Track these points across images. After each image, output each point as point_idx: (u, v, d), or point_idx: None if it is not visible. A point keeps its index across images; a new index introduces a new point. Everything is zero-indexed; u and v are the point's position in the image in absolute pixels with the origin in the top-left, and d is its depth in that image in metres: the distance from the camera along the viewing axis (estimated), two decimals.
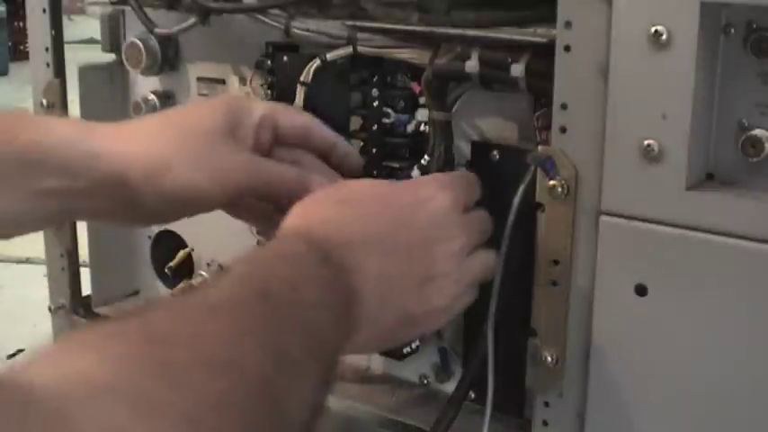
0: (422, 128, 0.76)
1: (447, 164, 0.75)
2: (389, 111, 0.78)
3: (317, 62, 0.79)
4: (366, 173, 0.80)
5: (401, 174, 0.78)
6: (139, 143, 0.65)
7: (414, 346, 0.80)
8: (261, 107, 0.69)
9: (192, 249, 1.01)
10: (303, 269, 0.50)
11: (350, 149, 0.74)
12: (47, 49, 0.99)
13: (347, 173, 0.73)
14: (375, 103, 0.78)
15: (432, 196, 0.61)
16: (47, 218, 0.67)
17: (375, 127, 0.79)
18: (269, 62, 0.84)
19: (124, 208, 0.65)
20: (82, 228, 1.03)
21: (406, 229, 0.58)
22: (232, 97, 0.69)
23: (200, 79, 0.94)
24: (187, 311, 0.44)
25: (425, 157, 0.75)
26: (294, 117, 0.71)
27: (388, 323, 0.56)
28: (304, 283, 0.49)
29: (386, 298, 0.56)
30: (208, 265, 0.99)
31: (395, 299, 0.57)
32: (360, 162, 0.75)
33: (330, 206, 0.58)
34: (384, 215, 0.59)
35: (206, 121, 0.66)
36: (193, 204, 0.65)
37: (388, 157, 0.79)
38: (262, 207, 0.70)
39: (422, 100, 0.76)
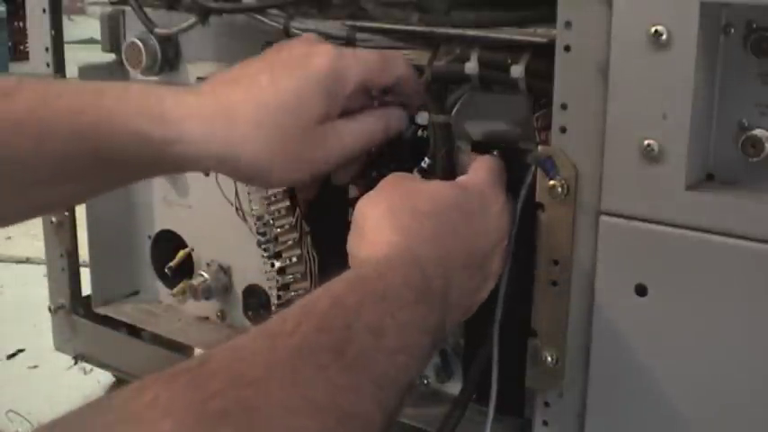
0: (419, 134, 0.76)
1: (449, 168, 0.75)
2: None
3: None
4: (366, 173, 0.80)
5: None
6: (230, 139, 0.62)
7: None
8: (355, 74, 0.65)
9: (192, 249, 1.01)
10: (419, 301, 0.52)
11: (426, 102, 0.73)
12: (47, 49, 0.99)
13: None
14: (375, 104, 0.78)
15: (493, 199, 0.65)
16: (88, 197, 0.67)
17: None
18: None
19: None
20: (82, 228, 1.04)
21: (483, 238, 0.63)
22: (325, 68, 0.64)
23: (200, 79, 0.94)
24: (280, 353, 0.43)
25: (426, 159, 0.75)
26: (387, 73, 0.68)
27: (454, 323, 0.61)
28: (411, 313, 0.51)
29: (461, 303, 0.60)
30: (208, 265, 0.99)
31: (465, 301, 0.61)
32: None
33: (422, 220, 0.59)
34: (466, 228, 0.62)
35: (302, 114, 0.63)
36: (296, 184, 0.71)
37: (388, 157, 0.79)
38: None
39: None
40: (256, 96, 0.64)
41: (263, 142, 0.63)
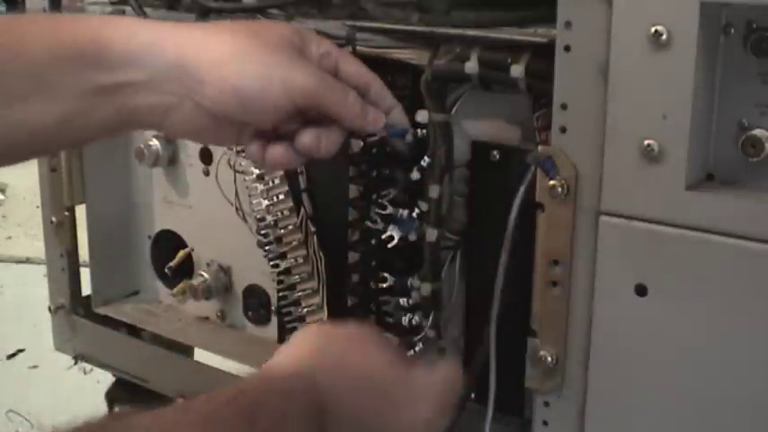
0: (419, 133, 0.76)
1: (447, 166, 0.75)
2: None
3: None
4: (366, 173, 0.80)
5: (401, 174, 0.78)
6: (209, 36, 0.62)
7: (415, 348, 0.80)
8: (326, 43, 0.67)
9: (192, 249, 1.01)
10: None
11: (401, 118, 0.71)
12: None
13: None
14: None
15: (424, 410, 0.63)
16: (99, 126, 0.62)
17: None
18: None
19: (182, 103, 0.62)
20: (82, 228, 1.04)
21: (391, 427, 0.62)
22: (297, 27, 0.66)
23: None
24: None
25: (425, 158, 0.75)
26: (356, 67, 0.68)
27: None
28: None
29: None
30: (208, 265, 0.99)
31: None
32: (407, 125, 0.73)
33: (348, 379, 0.60)
34: (382, 414, 0.61)
35: (277, 34, 0.64)
36: (256, 106, 0.62)
37: (388, 157, 0.79)
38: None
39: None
40: (235, 23, 0.67)
41: (238, 40, 0.62)
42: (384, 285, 0.81)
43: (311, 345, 0.61)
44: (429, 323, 0.78)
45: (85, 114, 0.61)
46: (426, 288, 0.77)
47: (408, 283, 0.79)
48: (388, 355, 0.64)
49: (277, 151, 0.65)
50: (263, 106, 0.62)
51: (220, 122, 0.63)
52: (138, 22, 0.65)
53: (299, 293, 0.87)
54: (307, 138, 0.64)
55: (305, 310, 0.88)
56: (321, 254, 0.86)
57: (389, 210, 0.79)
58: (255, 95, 0.61)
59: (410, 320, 0.80)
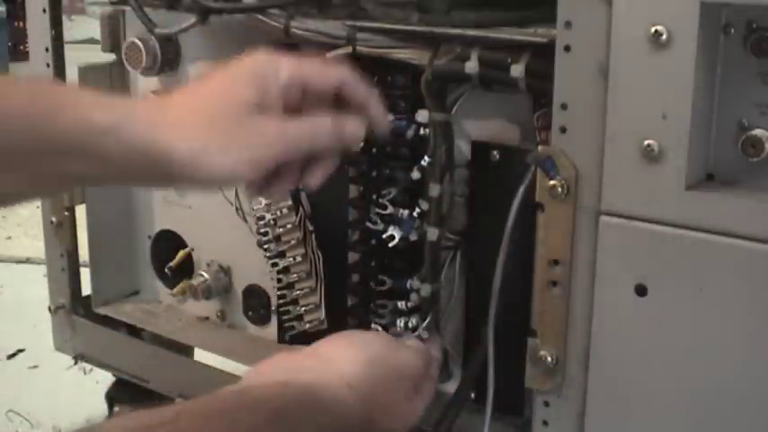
0: (422, 132, 0.76)
1: (448, 165, 0.75)
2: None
3: None
4: (366, 173, 0.80)
5: (401, 174, 0.78)
6: (174, 131, 0.63)
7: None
8: (287, 68, 0.65)
9: (192, 249, 1.01)
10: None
11: (380, 112, 0.70)
12: (47, 49, 0.99)
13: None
14: None
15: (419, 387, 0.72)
16: (57, 192, 0.64)
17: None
18: None
19: (150, 184, 0.66)
20: (82, 228, 1.04)
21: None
22: (256, 62, 0.64)
23: None
24: None
25: (425, 158, 0.75)
26: (326, 75, 0.67)
27: None
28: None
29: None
30: (208, 265, 0.99)
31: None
32: (386, 126, 0.72)
33: (377, 383, 0.68)
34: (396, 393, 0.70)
35: (232, 98, 0.64)
36: (227, 184, 0.67)
37: (389, 157, 0.79)
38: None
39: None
40: (191, 90, 0.66)
41: (194, 123, 0.63)
42: (383, 288, 0.81)
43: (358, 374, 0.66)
44: (425, 324, 0.78)
45: (46, 191, 0.65)
46: (426, 289, 0.77)
47: (408, 285, 0.79)
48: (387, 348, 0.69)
49: (273, 189, 0.67)
50: (233, 185, 0.67)
51: None
52: (111, 114, 0.63)
53: (298, 292, 0.88)
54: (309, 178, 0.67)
55: (303, 308, 0.88)
56: (319, 253, 0.86)
57: (390, 210, 0.79)
58: (221, 182, 0.67)
59: (406, 323, 0.79)
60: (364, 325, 0.84)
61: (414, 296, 0.79)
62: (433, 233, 0.76)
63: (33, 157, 0.61)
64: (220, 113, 0.63)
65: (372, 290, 0.82)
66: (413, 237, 0.78)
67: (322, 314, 0.87)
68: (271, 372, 0.65)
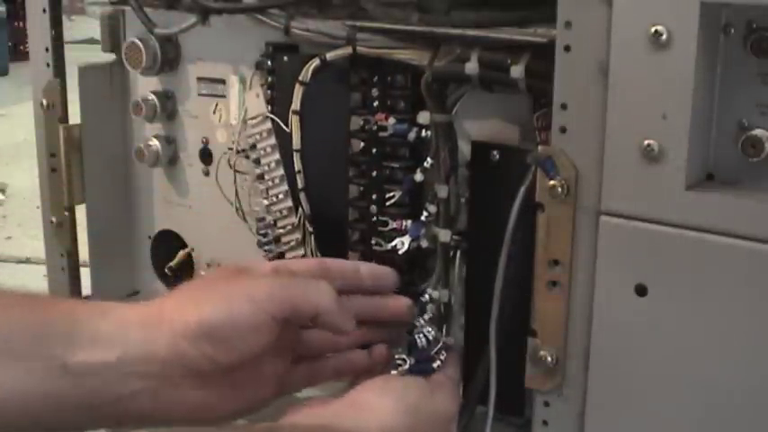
0: (423, 134, 0.76)
1: (453, 166, 0.75)
2: (386, 124, 0.78)
3: (316, 62, 0.79)
4: (366, 173, 0.80)
5: (402, 175, 0.78)
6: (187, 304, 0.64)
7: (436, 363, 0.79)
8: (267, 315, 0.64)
9: (192, 249, 1.01)
10: None
11: (375, 267, 0.73)
12: (47, 49, 0.99)
13: (385, 291, 0.74)
14: (375, 104, 0.79)
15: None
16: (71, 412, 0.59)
17: (375, 127, 0.79)
18: (269, 62, 0.84)
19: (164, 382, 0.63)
20: (82, 228, 1.04)
21: None
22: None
23: (200, 79, 0.94)
24: None
25: (428, 159, 0.75)
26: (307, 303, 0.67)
27: None
28: None
29: None
30: (208, 265, 0.99)
31: None
32: (394, 275, 0.74)
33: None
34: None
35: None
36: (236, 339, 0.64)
37: (389, 158, 0.79)
38: None
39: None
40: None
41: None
42: None
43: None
44: (444, 333, 0.77)
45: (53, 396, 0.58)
46: (444, 294, 0.77)
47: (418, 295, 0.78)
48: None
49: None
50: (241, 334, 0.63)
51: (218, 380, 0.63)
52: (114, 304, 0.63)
53: None
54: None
55: None
56: (319, 254, 0.86)
57: (392, 225, 0.79)
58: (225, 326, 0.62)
59: (426, 337, 0.75)
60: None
61: (430, 307, 0.77)
62: (445, 235, 0.76)
63: None
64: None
65: None
66: (424, 243, 0.78)
67: None
68: (306, 419, 0.63)
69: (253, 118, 0.88)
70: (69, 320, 0.59)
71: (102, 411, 0.60)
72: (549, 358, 0.68)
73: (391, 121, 0.77)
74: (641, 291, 0.62)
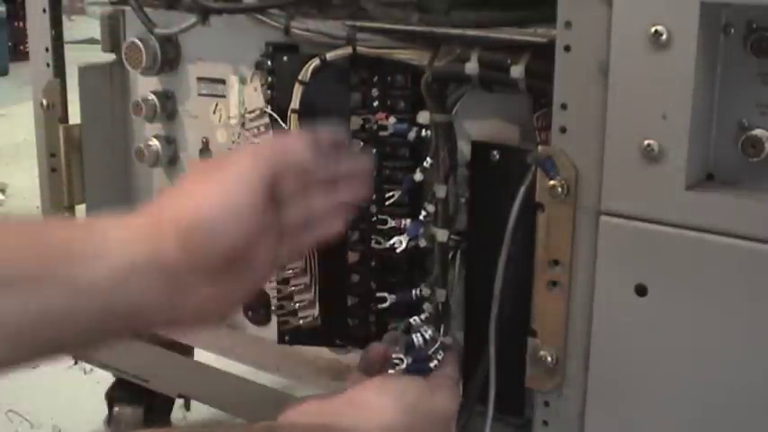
0: (423, 133, 0.76)
1: (452, 165, 0.75)
2: (386, 123, 0.78)
3: (316, 62, 0.79)
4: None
5: (402, 174, 0.78)
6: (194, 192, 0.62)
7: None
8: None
9: None
10: None
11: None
12: (47, 49, 0.99)
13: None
14: (375, 104, 0.79)
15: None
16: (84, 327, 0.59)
17: (375, 127, 0.79)
18: (269, 62, 0.84)
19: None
20: None
21: None
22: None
23: (200, 79, 0.94)
24: None
25: (428, 159, 0.75)
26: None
27: None
28: None
29: None
30: None
31: None
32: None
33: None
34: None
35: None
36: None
37: (389, 157, 0.79)
38: None
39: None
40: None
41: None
42: (386, 305, 0.81)
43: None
44: (442, 332, 0.77)
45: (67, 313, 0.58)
46: (441, 294, 0.77)
47: (413, 295, 0.79)
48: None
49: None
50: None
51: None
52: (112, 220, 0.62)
53: (292, 288, 0.88)
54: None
55: (297, 304, 0.88)
56: (317, 253, 0.86)
57: (391, 223, 0.79)
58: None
59: (423, 337, 0.77)
60: (364, 325, 0.84)
61: (427, 306, 0.78)
62: (442, 234, 0.76)
63: None
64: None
65: (374, 297, 0.82)
66: (422, 243, 0.78)
67: (316, 311, 0.87)
68: (305, 418, 0.63)
69: (251, 112, 0.88)
70: (76, 239, 0.59)
71: (117, 324, 0.60)
72: (549, 358, 0.68)
73: (391, 120, 0.78)
74: (641, 291, 0.62)
